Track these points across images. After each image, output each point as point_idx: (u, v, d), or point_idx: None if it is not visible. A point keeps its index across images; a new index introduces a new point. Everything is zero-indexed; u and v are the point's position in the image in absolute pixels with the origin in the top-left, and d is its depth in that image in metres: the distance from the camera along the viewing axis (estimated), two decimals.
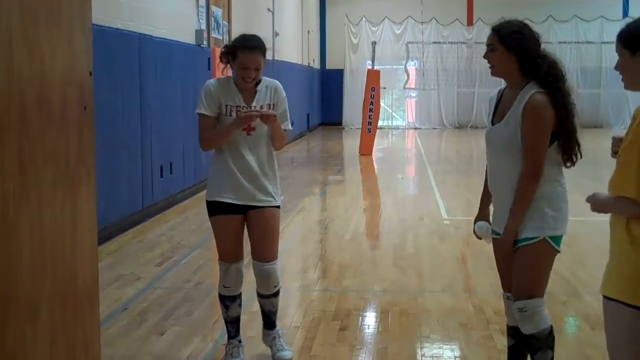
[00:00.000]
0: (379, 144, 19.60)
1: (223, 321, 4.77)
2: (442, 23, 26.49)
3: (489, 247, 4.05)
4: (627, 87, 2.96)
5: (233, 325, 4.70)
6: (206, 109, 4.51)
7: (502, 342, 4.28)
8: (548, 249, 3.75)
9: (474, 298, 6.07)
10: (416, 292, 6.34)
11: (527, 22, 3.89)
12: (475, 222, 4.07)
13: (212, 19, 12.77)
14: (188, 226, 9.20)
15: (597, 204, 2.92)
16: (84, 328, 3.61)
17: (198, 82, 11.68)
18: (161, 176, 10.00)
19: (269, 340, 4.78)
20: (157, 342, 5.09)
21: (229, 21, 14.03)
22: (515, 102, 3.74)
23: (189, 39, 11.58)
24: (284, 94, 4.64)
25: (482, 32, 25.30)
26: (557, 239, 3.77)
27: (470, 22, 26.64)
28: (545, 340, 3.80)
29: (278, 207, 4.65)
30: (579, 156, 3.75)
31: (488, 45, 3.81)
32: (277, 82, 4.68)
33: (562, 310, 5.69)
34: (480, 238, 4.05)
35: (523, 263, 3.77)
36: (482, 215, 4.07)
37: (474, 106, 26.60)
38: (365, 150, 17.51)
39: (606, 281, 2.88)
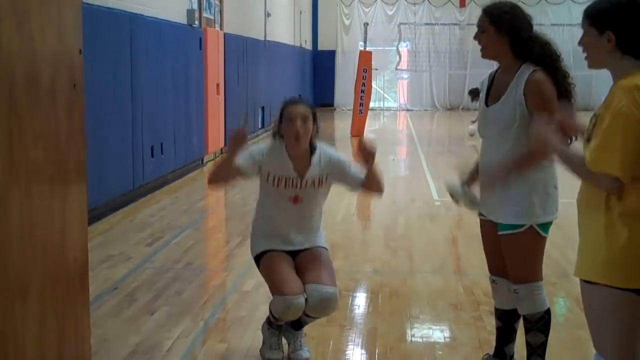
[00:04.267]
0: (371, 125, 19.58)
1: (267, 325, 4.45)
2: (435, 4, 26.41)
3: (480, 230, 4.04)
4: (590, 65, 2.87)
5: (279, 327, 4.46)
6: (240, 159, 4.05)
7: (491, 323, 4.29)
8: (535, 236, 3.70)
9: (464, 279, 6.09)
10: (406, 273, 6.36)
11: (519, 4, 3.87)
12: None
13: None
14: (179, 207, 9.19)
15: (549, 144, 2.86)
16: (74, 307, 3.60)
17: (189, 62, 11.66)
18: (152, 156, 9.96)
19: (290, 337, 4.48)
20: (147, 322, 5.08)
21: (221, 1, 13.94)
22: (512, 82, 3.67)
23: (181, 18, 11.51)
24: (337, 155, 4.34)
25: (475, 14, 25.06)
26: (544, 226, 3.72)
27: (462, 4, 26.53)
28: (536, 323, 3.80)
29: (325, 248, 4.43)
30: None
31: (478, 26, 3.76)
32: (331, 150, 4.35)
33: (553, 291, 5.71)
34: (453, 197, 3.98)
35: (513, 252, 3.75)
36: (462, 178, 3.96)
37: (465, 88, 26.49)
38: (357, 131, 17.48)
39: (581, 265, 2.81)
